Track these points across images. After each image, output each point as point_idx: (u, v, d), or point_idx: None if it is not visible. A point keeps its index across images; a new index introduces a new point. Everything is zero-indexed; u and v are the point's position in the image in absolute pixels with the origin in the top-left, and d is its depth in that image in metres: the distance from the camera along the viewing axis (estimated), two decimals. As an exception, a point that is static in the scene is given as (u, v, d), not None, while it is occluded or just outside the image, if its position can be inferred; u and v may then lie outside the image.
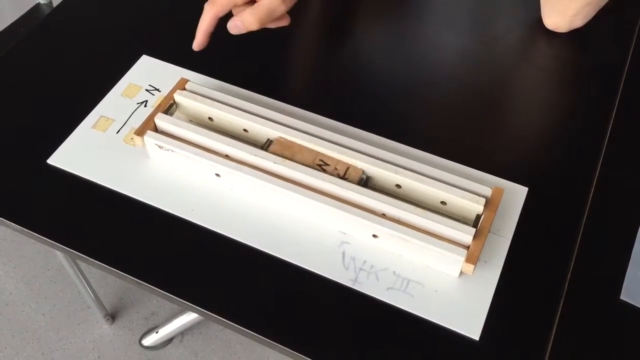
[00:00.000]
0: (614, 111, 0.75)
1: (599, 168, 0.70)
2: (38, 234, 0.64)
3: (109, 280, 1.40)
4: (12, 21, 1.30)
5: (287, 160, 0.64)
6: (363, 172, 0.65)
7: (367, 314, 0.60)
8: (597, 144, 0.72)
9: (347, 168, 0.65)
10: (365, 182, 0.65)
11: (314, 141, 0.66)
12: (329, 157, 0.65)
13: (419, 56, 0.83)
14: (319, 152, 0.66)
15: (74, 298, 1.38)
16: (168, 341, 1.33)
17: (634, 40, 0.83)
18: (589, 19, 0.80)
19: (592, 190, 0.68)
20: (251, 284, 0.62)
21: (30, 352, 1.32)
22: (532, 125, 0.76)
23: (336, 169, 0.65)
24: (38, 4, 1.34)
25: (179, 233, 0.65)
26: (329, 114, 0.73)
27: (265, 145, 0.67)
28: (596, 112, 0.76)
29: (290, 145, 0.66)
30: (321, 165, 0.65)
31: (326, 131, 0.67)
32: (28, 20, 1.32)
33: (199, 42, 0.68)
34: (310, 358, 0.57)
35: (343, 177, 0.64)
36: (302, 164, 0.64)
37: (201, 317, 1.26)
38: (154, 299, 1.38)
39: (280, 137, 0.67)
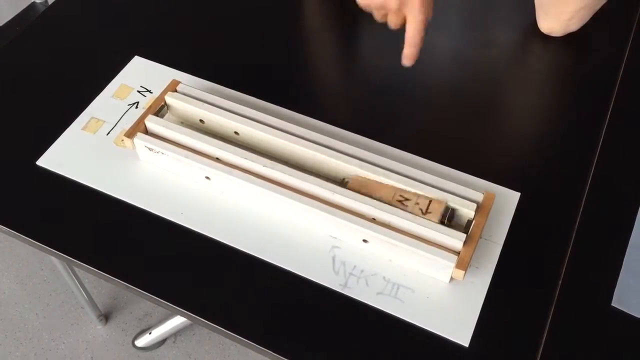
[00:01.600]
0: (608, 116, 0.75)
1: (591, 173, 0.70)
2: (26, 236, 0.64)
3: (102, 281, 1.40)
4: (7, 19, 1.29)
5: (277, 164, 0.64)
6: (447, 204, 0.62)
7: (357, 319, 0.59)
8: (591, 150, 0.72)
9: (430, 202, 0.62)
10: (452, 214, 0.63)
11: (306, 144, 0.65)
12: (408, 192, 0.63)
13: (413, 59, 0.82)
14: (396, 188, 0.63)
15: (67, 298, 1.38)
16: (161, 342, 1.32)
17: (629, 45, 0.83)
18: (584, 23, 0.80)
19: (585, 196, 0.68)
20: (240, 288, 0.61)
21: (23, 352, 1.31)
22: (525, 129, 0.75)
23: (417, 203, 0.62)
24: (34, 3, 1.33)
25: (169, 236, 0.64)
26: (320, 116, 0.72)
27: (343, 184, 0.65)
28: (590, 117, 0.75)
29: (367, 183, 0.63)
30: (401, 201, 0.62)
31: (321, 135, 0.66)
32: (24, 19, 1.31)
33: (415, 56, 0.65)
34: (298, 363, 0.57)
35: (426, 212, 0.61)
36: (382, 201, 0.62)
37: (195, 319, 1.26)
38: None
39: (357, 176, 0.64)
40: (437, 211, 0.61)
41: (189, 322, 1.27)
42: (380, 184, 0.63)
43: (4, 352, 1.31)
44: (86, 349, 1.32)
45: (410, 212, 0.61)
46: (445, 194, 0.62)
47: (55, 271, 1.41)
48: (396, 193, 0.63)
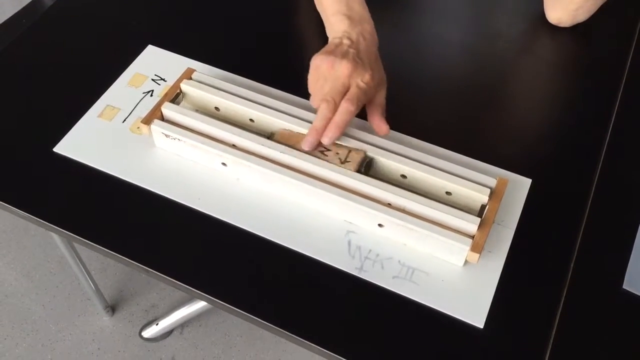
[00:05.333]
0: (617, 104, 0.76)
1: (601, 160, 0.71)
2: (45, 220, 0.65)
3: (109, 272, 1.40)
4: (13, 13, 1.30)
5: (294, 150, 0.65)
6: (365, 154, 0.65)
7: (373, 302, 0.60)
8: (600, 136, 0.73)
9: (349, 151, 0.65)
10: (369, 164, 0.65)
11: None
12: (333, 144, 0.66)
13: (424, 49, 0.83)
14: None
15: (74, 290, 1.38)
16: (168, 333, 1.33)
17: (637, 34, 0.84)
18: (592, 13, 0.81)
19: (595, 182, 0.69)
20: (257, 272, 0.62)
21: (30, 343, 1.32)
22: (536, 117, 0.76)
23: (337, 153, 0.65)
24: (39, -4, 1.34)
25: (186, 221, 0.65)
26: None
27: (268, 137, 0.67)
28: (599, 105, 0.76)
29: (293, 135, 0.66)
30: (322, 151, 0.65)
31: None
32: (30, 12, 1.31)
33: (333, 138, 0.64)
34: (315, 344, 0.58)
35: (345, 161, 0.64)
36: (304, 153, 0.64)
37: (201, 309, 1.26)
38: (154, 290, 1.38)
39: (282, 129, 0.67)
40: (355, 160, 0.64)
41: (195, 312, 1.28)
42: (304, 135, 0.66)
43: (11, 343, 1.32)
44: (93, 340, 1.32)
45: (330, 162, 0.64)
46: (365, 145, 0.65)
47: (61, 263, 1.42)
48: (318, 146, 0.65)
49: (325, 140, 0.64)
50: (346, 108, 0.63)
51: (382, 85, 0.69)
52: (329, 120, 0.64)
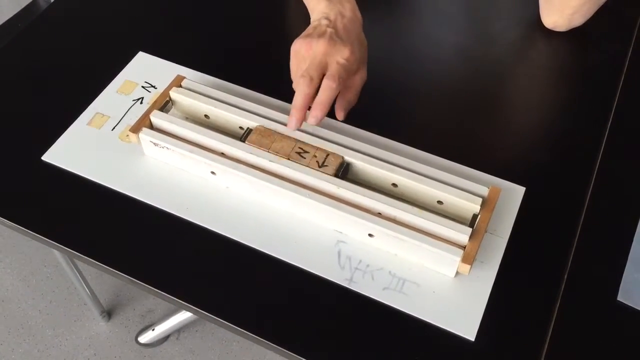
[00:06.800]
0: (613, 111, 0.75)
1: (596, 168, 0.70)
2: (32, 231, 0.64)
3: (105, 278, 1.40)
4: (10, 16, 1.29)
5: (283, 159, 0.64)
6: (343, 159, 0.64)
7: (363, 313, 0.59)
8: (595, 144, 0.72)
9: (327, 155, 0.64)
10: (347, 169, 0.64)
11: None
12: (307, 145, 0.65)
13: (418, 54, 0.82)
14: (297, 140, 0.65)
15: (70, 295, 1.38)
16: (164, 339, 1.32)
17: (633, 39, 0.83)
18: (588, 17, 0.80)
19: (590, 191, 0.68)
20: (246, 283, 0.61)
21: (26, 349, 1.31)
22: (530, 124, 0.75)
23: (315, 156, 0.64)
24: (35, 0, 1.33)
25: (174, 231, 0.64)
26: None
27: (244, 135, 0.66)
28: (594, 112, 0.75)
29: (269, 133, 0.66)
30: (300, 153, 0.64)
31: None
32: (26, 16, 1.31)
33: (319, 117, 0.63)
34: (304, 358, 0.57)
35: (323, 165, 0.63)
36: (280, 153, 0.64)
37: (198, 315, 1.26)
38: (150, 296, 1.38)
39: (259, 126, 0.66)
40: (332, 165, 0.63)
41: (191, 318, 1.27)
42: (282, 135, 0.65)
43: (7, 348, 1.32)
44: (89, 345, 1.32)
45: (306, 166, 0.63)
46: (344, 149, 0.64)
47: (58, 268, 1.41)
48: (296, 145, 0.64)
49: (312, 121, 0.63)
50: (328, 85, 0.63)
51: (362, 64, 0.69)
52: (307, 97, 0.63)
